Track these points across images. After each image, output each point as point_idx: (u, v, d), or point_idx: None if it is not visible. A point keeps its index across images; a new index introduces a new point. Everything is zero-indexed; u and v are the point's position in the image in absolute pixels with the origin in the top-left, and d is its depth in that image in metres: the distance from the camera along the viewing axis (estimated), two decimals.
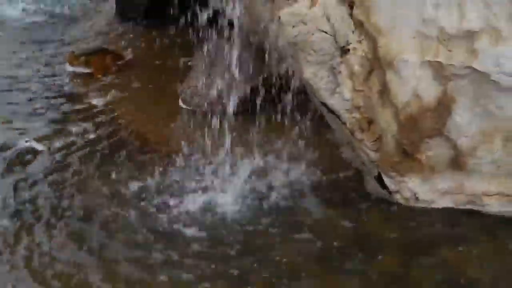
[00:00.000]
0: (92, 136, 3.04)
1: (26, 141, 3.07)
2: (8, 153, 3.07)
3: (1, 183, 2.79)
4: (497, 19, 2.12)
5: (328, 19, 2.34)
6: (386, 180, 2.52)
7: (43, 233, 2.48)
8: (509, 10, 2.12)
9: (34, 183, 2.83)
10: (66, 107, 3.16)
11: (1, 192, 2.70)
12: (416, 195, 2.52)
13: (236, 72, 2.69)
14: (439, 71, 2.30)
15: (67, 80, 3.22)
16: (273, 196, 2.71)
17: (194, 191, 2.70)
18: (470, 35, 2.24)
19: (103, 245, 2.42)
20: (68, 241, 2.46)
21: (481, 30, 2.22)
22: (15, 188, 2.72)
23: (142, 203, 2.67)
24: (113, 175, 2.83)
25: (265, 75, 2.87)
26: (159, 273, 2.26)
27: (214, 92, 2.94)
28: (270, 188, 2.74)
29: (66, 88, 3.21)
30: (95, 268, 2.31)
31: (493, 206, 2.49)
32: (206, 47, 2.90)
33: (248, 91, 2.84)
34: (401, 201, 2.56)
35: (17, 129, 3.21)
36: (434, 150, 2.45)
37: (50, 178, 2.85)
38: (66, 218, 2.58)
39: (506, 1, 2.10)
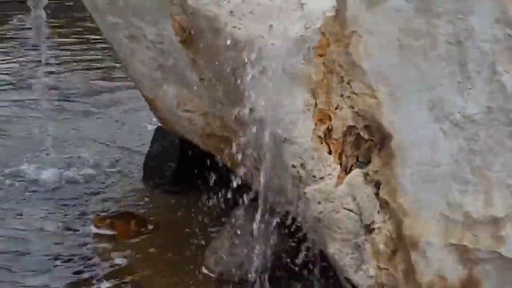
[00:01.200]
0: None
1: None
2: None
3: None
4: None
5: (354, 198, 2.36)
6: None
7: None
8: None
9: None
10: (87, 266, 3.16)
11: None
12: None
13: (258, 242, 2.68)
14: (464, 254, 2.30)
15: (90, 241, 3.23)
16: None
17: None
18: (495, 221, 2.27)
19: None
20: None
21: (506, 217, 2.26)
22: None
23: None
24: None
25: (287, 246, 2.84)
26: None
27: (237, 261, 2.94)
28: None
29: (89, 248, 3.24)
30: None
31: None
32: (232, 216, 2.94)
33: (269, 261, 2.79)
34: None
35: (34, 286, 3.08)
36: None
37: None
38: None
39: None
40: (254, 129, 2.46)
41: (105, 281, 3.03)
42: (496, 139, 2.21)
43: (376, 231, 2.35)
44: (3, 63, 5.65)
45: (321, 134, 2.35)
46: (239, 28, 2.49)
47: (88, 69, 5.55)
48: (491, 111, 2.19)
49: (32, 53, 5.57)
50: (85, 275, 3.07)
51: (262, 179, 2.49)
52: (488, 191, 2.23)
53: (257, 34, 2.47)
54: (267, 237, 2.69)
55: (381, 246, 2.32)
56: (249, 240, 2.68)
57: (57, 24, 5.49)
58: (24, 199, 3.70)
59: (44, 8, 3.77)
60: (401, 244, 2.32)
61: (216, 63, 2.63)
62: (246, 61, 2.47)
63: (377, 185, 2.33)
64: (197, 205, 3.29)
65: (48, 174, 3.78)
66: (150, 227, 3.38)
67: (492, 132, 2.22)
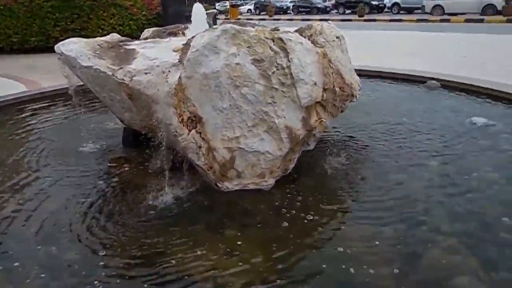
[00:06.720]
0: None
1: None
2: None
3: None
4: None
5: (193, 138, 2.53)
6: (218, 183, 2.62)
7: None
8: None
9: None
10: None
11: None
12: (228, 187, 2.60)
13: (165, 157, 2.57)
14: (230, 149, 2.59)
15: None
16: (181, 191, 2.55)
17: None
18: (237, 138, 2.60)
19: None
20: None
21: (240, 136, 2.57)
22: None
23: None
24: None
25: (176, 158, 2.73)
26: None
27: (158, 165, 2.81)
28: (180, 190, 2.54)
29: None
30: None
31: (252, 186, 2.50)
32: (156, 152, 2.80)
33: (169, 164, 2.67)
34: (224, 189, 2.58)
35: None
36: (231, 174, 2.61)
37: None
38: None
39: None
40: (159, 122, 2.47)
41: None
42: (233, 113, 2.48)
43: (202, 147, 2.59)
44: None
45: (180, 120, 2.48)
46: (147, 90, 2.50)
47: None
48: (231, 105, 2.44)
49: None
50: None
51: (164, 138, 2.52)
52: (233, 129, 2.57)
53: (154, 92, 2.52)
54: (167, 156, 2.66)
55: (204, 151, 2.61)
56: (161, 157, 2.63)
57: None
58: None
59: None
60: (210, 150, 2.65)
61: (141, 104, 2.65)
62: (151, 101, 2.54)
63: (200, 133, 2.54)
64: (142, 151, 3.29)
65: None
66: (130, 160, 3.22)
67: (233, 112, 2.46)
